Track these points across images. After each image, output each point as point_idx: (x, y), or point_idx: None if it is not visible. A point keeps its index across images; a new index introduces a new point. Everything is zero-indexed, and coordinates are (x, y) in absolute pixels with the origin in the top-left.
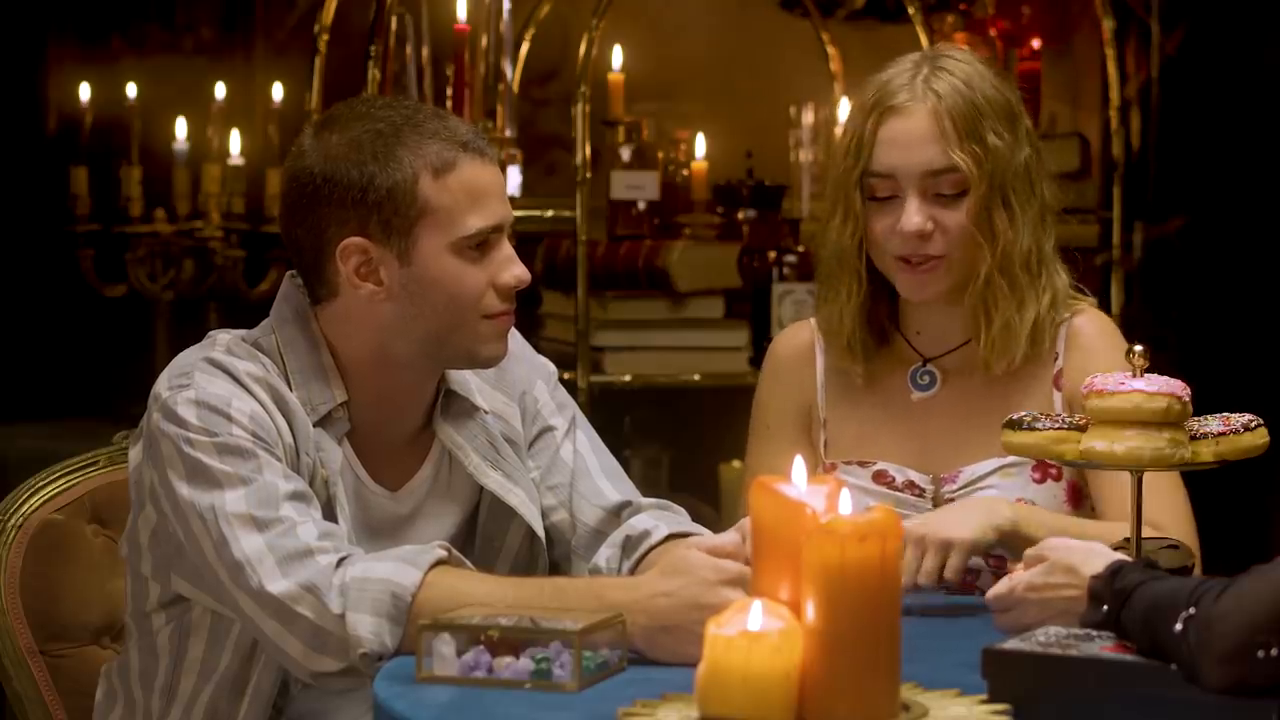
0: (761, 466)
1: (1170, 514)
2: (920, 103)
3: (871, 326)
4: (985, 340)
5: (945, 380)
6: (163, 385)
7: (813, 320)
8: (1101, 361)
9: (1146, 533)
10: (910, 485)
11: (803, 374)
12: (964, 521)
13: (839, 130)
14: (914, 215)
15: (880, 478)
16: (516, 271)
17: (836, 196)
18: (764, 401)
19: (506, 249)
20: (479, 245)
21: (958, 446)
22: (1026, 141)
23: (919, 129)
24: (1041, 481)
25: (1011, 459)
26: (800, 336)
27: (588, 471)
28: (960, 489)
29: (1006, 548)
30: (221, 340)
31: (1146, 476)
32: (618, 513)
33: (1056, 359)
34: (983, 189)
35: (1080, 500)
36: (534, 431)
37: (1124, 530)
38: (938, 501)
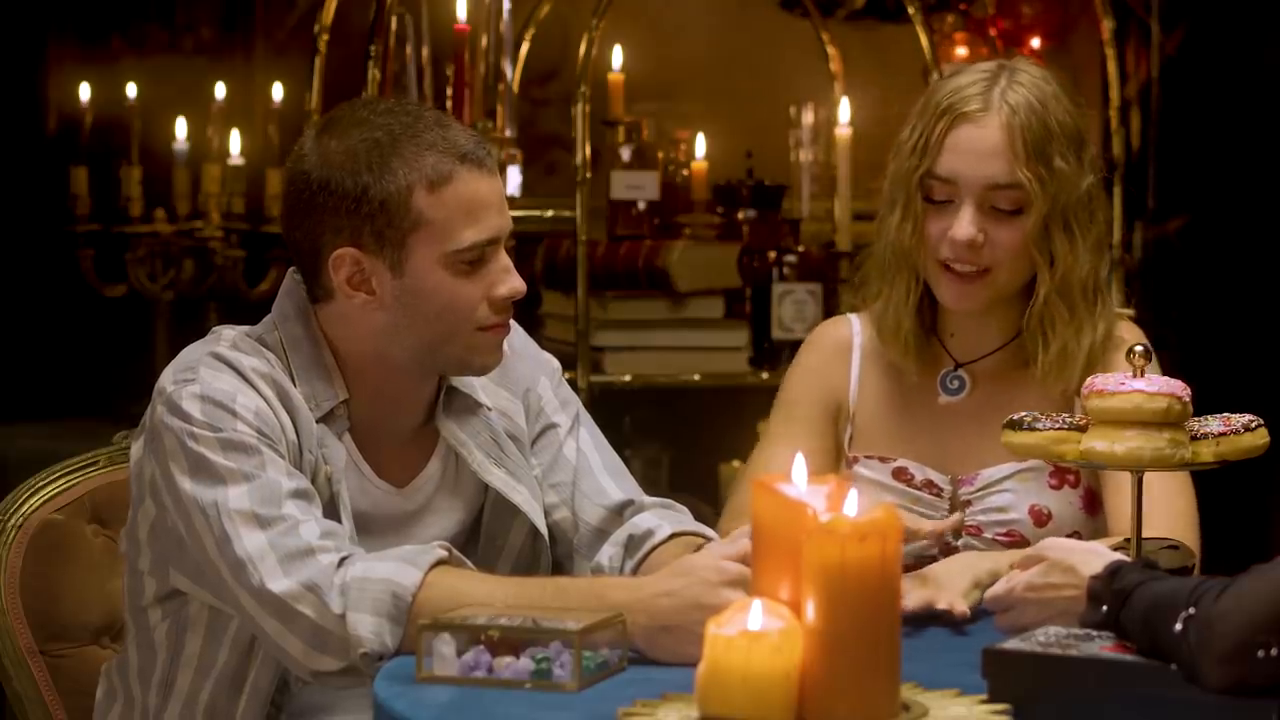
0: (773, 445)
1: (1175, 516)
2: (994, 114)
3: (920, 325)
4: (1043, 363)
5: (975, 386)
6: (167, 379)
7: (852, 316)
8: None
9: (1150, 534)
10: (929, 484)
11: (838, 367)
12: (953, 576)
13: (839, 131)
14: (968, 225)
15: (900, 474)
16: (512, 284)
17: (896, 194)
18: (793, 382)
19: (503, 260)
20: (474, 257)
21: (978, 450)
22: (1090, 169)
23: (989, 140)
24: (1058, 488)
25: (1029, 464)
26: (840, 331)
27: (590, 469)
28: (977, 491)
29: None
30: (227, 335)
31: (1156, 478)
32: (620, 511)
33: None
34: (1043, 210)
35: (1096, 507)
36: (537, 429)
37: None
38: (954, 502)
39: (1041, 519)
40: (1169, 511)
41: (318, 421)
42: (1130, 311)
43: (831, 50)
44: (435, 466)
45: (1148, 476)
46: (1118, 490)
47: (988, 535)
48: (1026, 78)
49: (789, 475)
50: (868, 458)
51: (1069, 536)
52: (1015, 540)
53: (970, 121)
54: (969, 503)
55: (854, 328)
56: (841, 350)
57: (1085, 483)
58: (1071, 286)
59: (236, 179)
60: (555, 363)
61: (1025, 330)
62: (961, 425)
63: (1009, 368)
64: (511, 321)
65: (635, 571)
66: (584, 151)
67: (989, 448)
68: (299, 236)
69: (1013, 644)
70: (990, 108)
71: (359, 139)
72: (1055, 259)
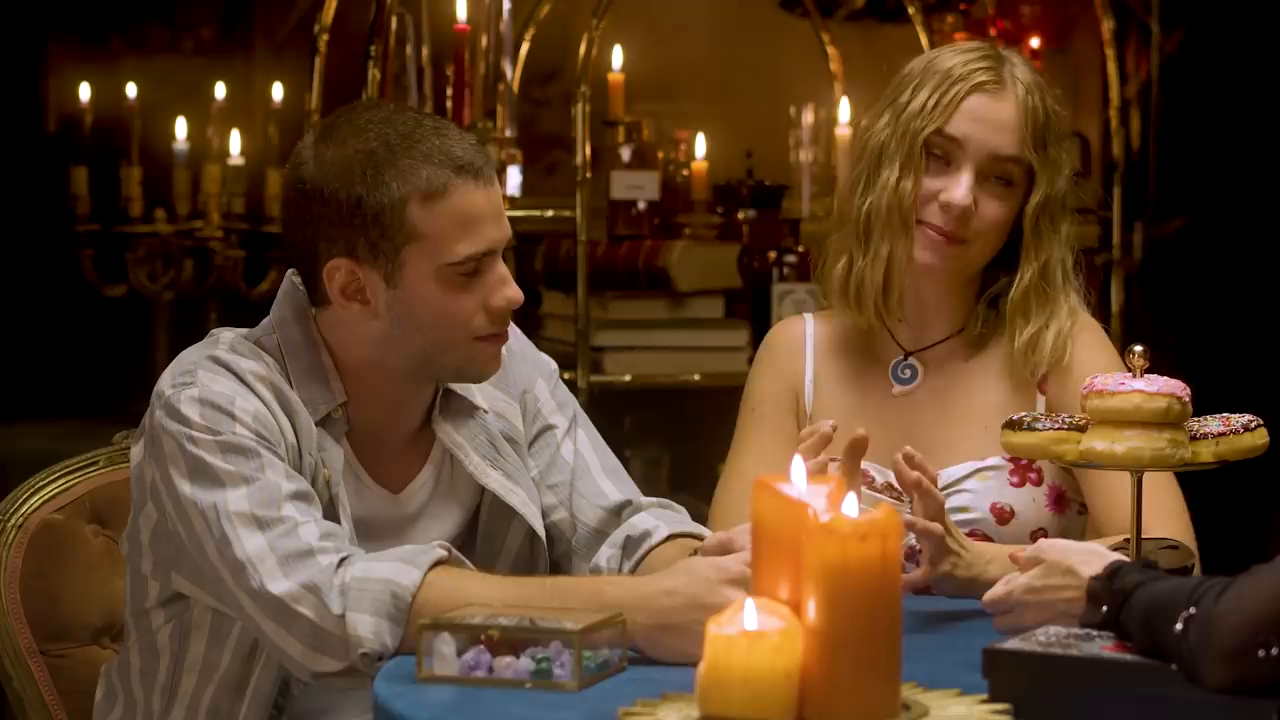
0: (743, 452)
1: (1167, 515)
2: (1009, 90)
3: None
4: (1017, 345)
5: (926, 374)
6: (166, 383)
7: (806, 315)
8: (1087, 369)
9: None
10: (889, 487)
11: (794, 363)
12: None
13: (839, 131)
14: (965, 190)
15: (862, 477)
16: (508, 294)
17: (894, 152)
18: (755, 383)
19: (500, 270)
20: (470, 268)
21: (937, 448)
22: (1068, 160)
23: (1005, 112)
24: (1020, 485)
25: (989, 462)
26: (795, 328)
27: (588, 471)
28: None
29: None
30: (225, 338)
31: (1143, 477)
32: (618, 512)
33: (1043, 364)
34: (1040, 194)
35: (1064, 505)
36: (534, 430)
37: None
38: (915, 505)
39: (1004, 517)
40: (1161, 511)
41: (316, 425)
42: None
43: (831, 50)
44: (429, 472)
45: None
46: (1099, 490)
47: None
48: (1020, 60)
49: (786, 475)
50: (832, 460)
51: (1034, 534)
52: (977, 540)
53: (985, 92)
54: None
55: (807, 326)
56: (795, 347)
57: (1050, 481)
58: (1051, 272)
59: (236, 179)
60: (552, 364)
61: (1006, 311)
62: (918, 424)
63: (957, 359)
64: None
65: (633, 572)
66: (584, 151)
67: (946, 446)
68: (298, 241)
69: (1013, 644)
70: (1004, 83)
71: (355, 149)
72: (1041, 243)
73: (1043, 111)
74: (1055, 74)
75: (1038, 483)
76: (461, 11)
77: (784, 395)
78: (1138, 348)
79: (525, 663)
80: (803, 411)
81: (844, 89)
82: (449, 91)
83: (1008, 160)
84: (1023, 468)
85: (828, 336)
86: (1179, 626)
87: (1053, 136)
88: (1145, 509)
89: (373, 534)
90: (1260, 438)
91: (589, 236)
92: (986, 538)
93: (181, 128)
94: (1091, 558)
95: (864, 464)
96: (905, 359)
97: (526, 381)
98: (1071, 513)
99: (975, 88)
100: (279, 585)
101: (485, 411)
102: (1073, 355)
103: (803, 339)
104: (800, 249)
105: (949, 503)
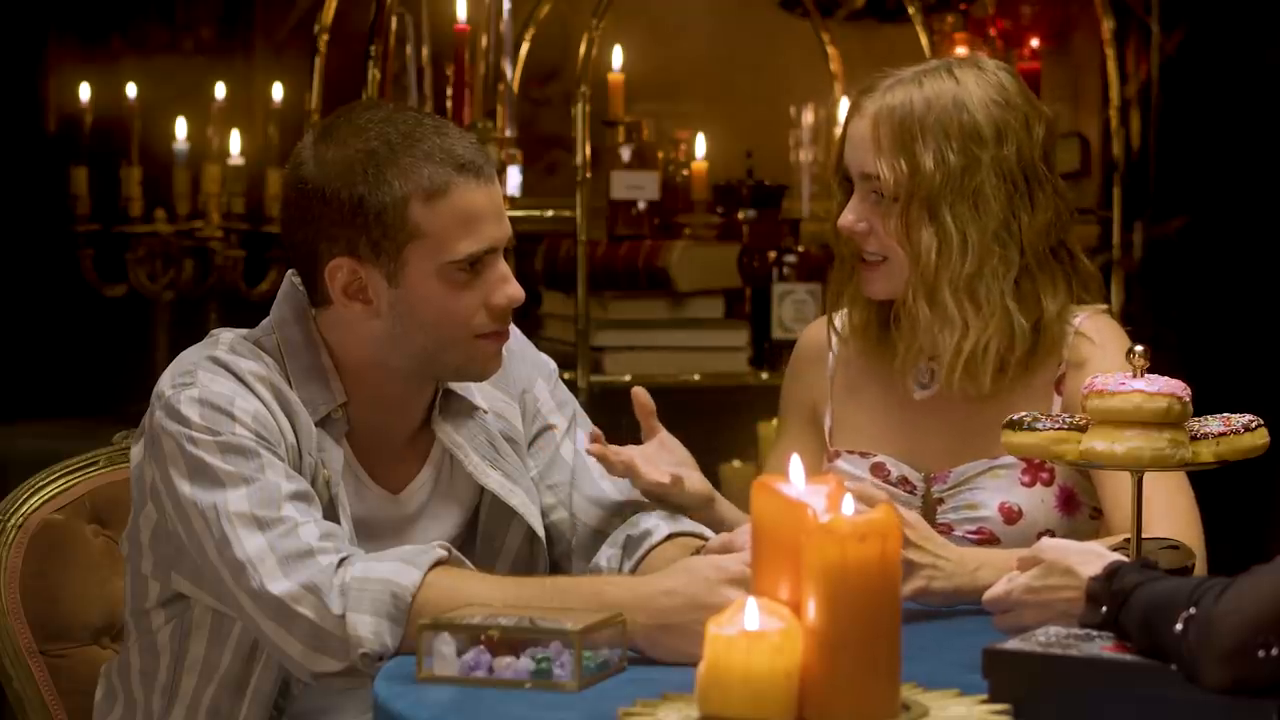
0: (773, 453)
1: (1177, 515)
2: (870, 103)
3: (881, 313)
4: (900, 357)
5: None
6: (166, 383)
7: (839, 316)
8: (1103, 368)
9: (1153, 534)
10: (903, 481)
11: (815, 367)
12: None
13: (839, 131)
14: (847, 212)
15: (877, 470)
16: (509, 292)
17: (834, 187)
18: (783, 392)
19: (501, 269)
20: (471, 266)
21: (952, 446)
22: (994, 167)
23: (861, 131)
24: (1030, 485)
25: (1001, 461)
26: (818, 331)
27: (588, 470)
28: (950, 488)
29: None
30: (225, 339)
31: (1153, 477)
32: (618, 512)
33: (1061, 364)
34: (903, 202)
35: (1074, 507)
36: (534, 430)
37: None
38: (927, 499)
39: (1012, 516)
40: (1171, 510)
41: (316, 425)
42: (1104, 306)
43: (831, 50)
44: (429, 472)
45: (1146, 477)
46: (1108, 489)
47: (958, 533)
48: (941, 74)
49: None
50: (849, 452)
51: (1040, 535)
52: (985, 538)
53: (855, 112)
54: (941, 500)
55: (836, 322)
56: (819, 348)
57: (1060, 482)
58: (940, 284)
59: (236, 179)
60: (552, 364)
61: (891, 319)
62: (936, 421)
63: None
64: None
65: (633, 572)
66: (584, 151)
67: (962, 443)
68: (297, 241)
69: (1013, 644)
70: (872, 99)
71: (355, 148)
72: (920, 253)
73: (903, 118)
74: (1055, 74)
75: (1048, 483)
76: (461, 11)
77: (802, 407)
78: (1138, 348)
79: (525, 663)
80: (825, 409)
81: (844, 89)
82: (449, 91)
83: (871, 177)
84: (1034, 467)
85: (852, 341)
86: (1179, 627)
87: (933, 142)
88: (1156, 508)
89: (372, 534)
90: (1260, 438)
91: (589, 236)
92: (994, 536)
93: (181, 128)
94: (1090, 558)
95: (881, 457)
96: (925, 364)
97: (526, 381)
98: (1083, 516)
99: (851, 111)
100: (279, 585)
101: (485, 411)
102: (1087, 354)
103: (827, 343)
104: (800, 249)
105: (959, 499)
